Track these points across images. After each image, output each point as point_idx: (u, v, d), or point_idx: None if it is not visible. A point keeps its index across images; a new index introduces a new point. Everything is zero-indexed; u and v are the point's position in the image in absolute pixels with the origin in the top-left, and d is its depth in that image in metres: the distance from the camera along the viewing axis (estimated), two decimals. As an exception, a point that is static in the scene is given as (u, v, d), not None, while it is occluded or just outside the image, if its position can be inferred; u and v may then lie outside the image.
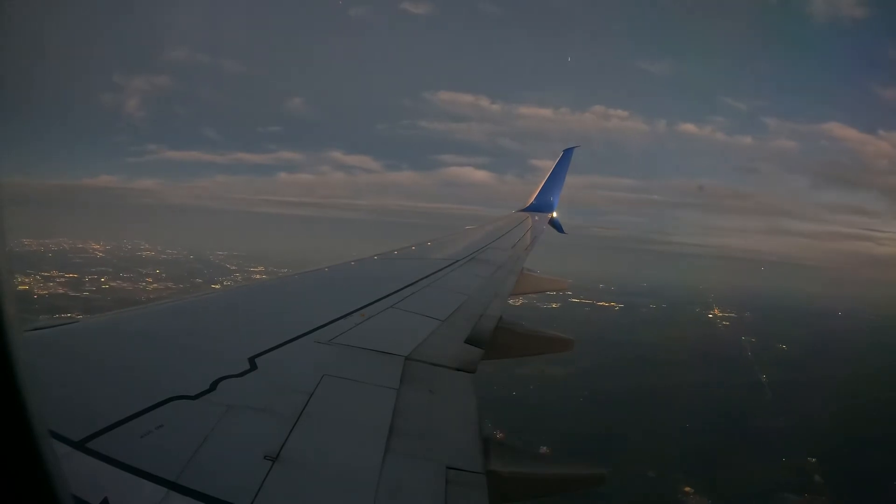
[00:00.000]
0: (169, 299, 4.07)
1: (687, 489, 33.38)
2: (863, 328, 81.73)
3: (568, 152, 13.20)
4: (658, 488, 33.03)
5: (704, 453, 36.83)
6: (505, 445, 2.49)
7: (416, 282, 4.79)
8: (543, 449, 29.42)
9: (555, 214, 12.41)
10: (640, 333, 69.73)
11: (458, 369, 3.02)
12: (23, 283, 61.13)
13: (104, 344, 2.73)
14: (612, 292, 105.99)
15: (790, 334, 74.60)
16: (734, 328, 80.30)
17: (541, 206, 12.50)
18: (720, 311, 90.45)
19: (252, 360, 2.51)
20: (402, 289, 4.44)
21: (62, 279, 69.30)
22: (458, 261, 6.11)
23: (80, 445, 1.65)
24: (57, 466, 0.97)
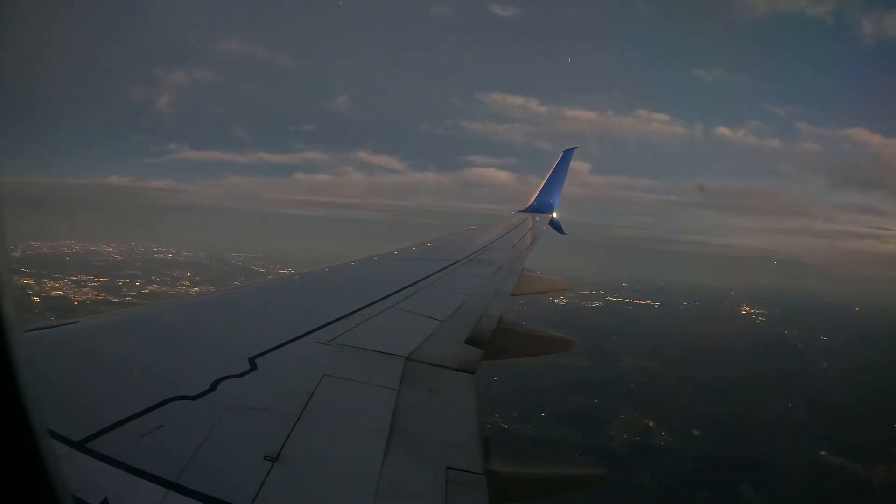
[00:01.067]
0: (169, 299, 4.06)
1: (823, 452, 37.65)
2: (889, 321, 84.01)
3: (568, 153, 13.21)
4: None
5: (827, 427, 40.89)
6: (505, 445, 2.48)
7: (417, 282, 4.79)
8: (696, 432, 37.84)
9: (555, 215, 12.42)
10: (692, 329, 73.30)
11: (458, 370, 3.02)
12: (55, 289, 60.73)
13: (104, 344, 2.73)
14: (640, 291, 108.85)
15: (822, 327, 78.38)
16: (771, 322, 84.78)
17: (541, 206, 12.51)
18: (749, 308, 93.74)
19: (252, 360, 2.51)
20: (402, 289, 4.44)
21: (93, 283, 67.62)
22: (458, 261, 6.11)
23: (80, 445, 1.65)
24: (57, 466, 0.97)
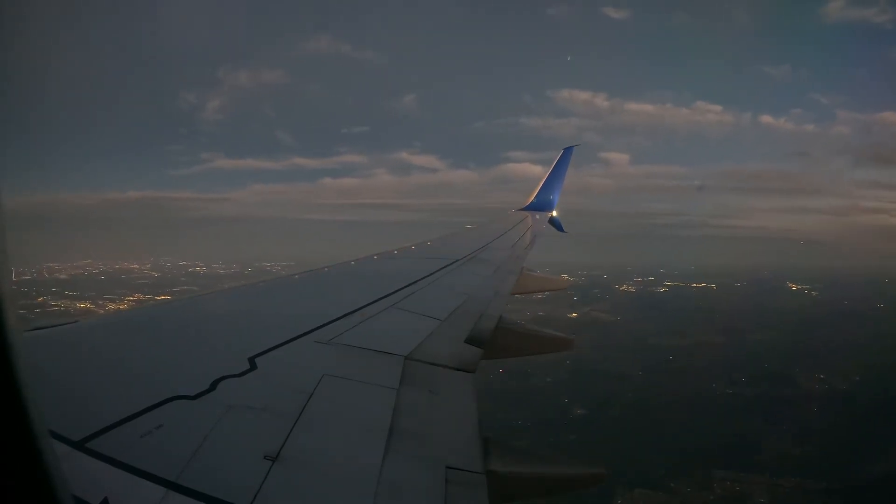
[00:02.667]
0: (169, 299, 4.07)
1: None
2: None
3: (568, 151, 13.22)
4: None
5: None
6: (505, 445, 2.48)
7: (416, 281, 4.79)
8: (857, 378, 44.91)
9: (555, 213, 12.41)
10: (769, 304, 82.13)
11: (457, 369, 3.02)
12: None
13: (104, 344, 2.73)
14: (685, 275, 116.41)
15: (869, 296, 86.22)
16: (825, 295, 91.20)
17: (541, 205, 12.50)
18: (795, 284, 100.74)
19: (252, 360, 2.51)
20: (401, 288, 4.44)
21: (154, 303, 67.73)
22: (457, 260, 6.11)
23: (80, 445, 1.65)
24: (57, 466, 0.97)
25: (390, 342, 3.15)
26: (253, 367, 2.46)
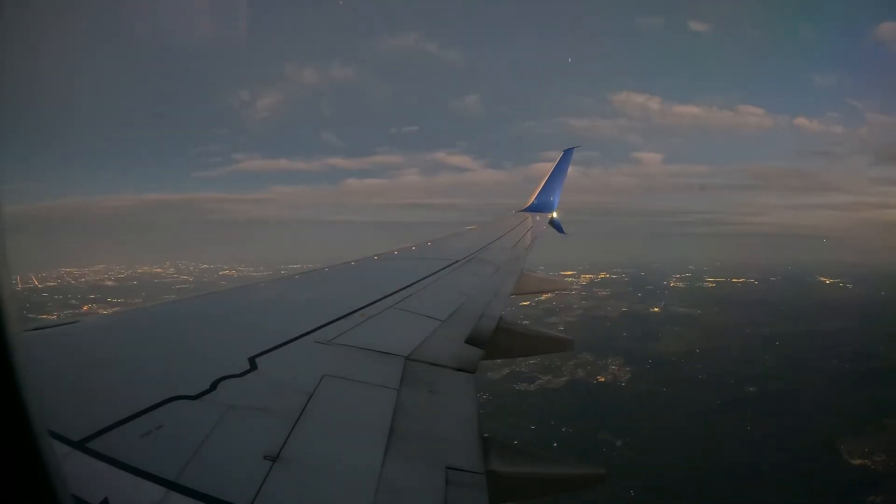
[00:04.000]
0: (169, 299, 4.06)
1: None
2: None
3: (568, 152, 13.22)
4: None
5: None
6: (505, 445, 2.48)
7: (417, 282, 4.79)
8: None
9: (555, 214, 12.41)
10: (816, 297, 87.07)
11: (458, 369, 3.01)
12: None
13: (104, 344, 2.73)
14: (718, 271, 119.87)
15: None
16: (860, 287, 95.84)
17: (541, 206, 12.49)
18: (828, 279, 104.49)
19: (252, 360, 2.51)
20: (402, 289, 4.44)
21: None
22: (458, 261, 6.11)
23: (80, 445, 1.65)
24: (57, 466, 0.97)
25: (390, 342, 3.15)
26: (253, 367, 2.46)
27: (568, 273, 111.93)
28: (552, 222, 12.13)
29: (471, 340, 3.54)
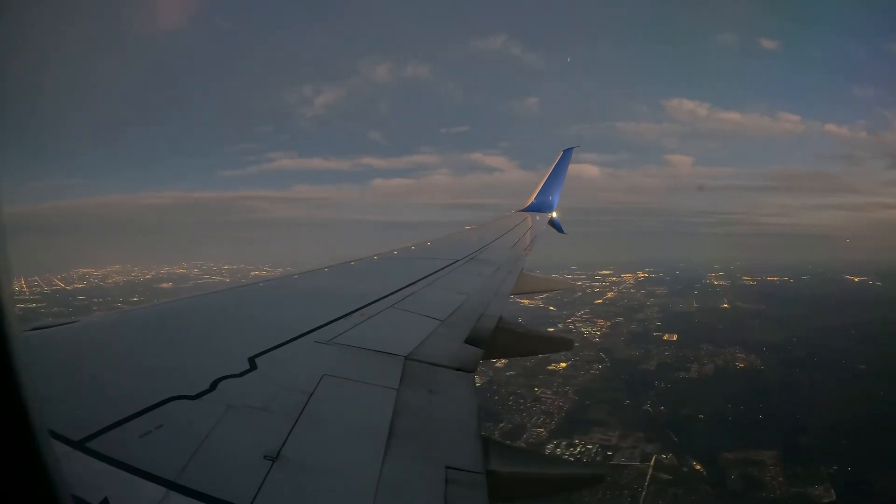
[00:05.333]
0: (169, 299, 4.06)
1: None
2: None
3: (567, 152, 13.21)
4: None
5: None
6: (505, 445, 2.48)
7: (416, 282, 4.79)
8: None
9: (554, 214, 12.40)
10: (849, 295, 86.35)
11: (457, 369, 3.02)
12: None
13: (104, 344, 2.73)
14: (741, 270, 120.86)
15: None
16: (889, 284, 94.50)
17: (541, 205, 12.48)
18: (856, 277, 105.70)
19: (252, 360, 2.51)
20: (401, 288, 4.44)
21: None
22: (457, 261, 6.11)
23: (80, 445, 1.65)
24: (57, 466, 0.97)
25: (390, 342, 3.15)
26: (253, 367, 2.46)
27: (605, 272, 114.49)
28: (552, 222, 12.12)
29: (470, 340, 3.54)
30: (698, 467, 33.71)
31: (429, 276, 5.12)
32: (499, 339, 3.94)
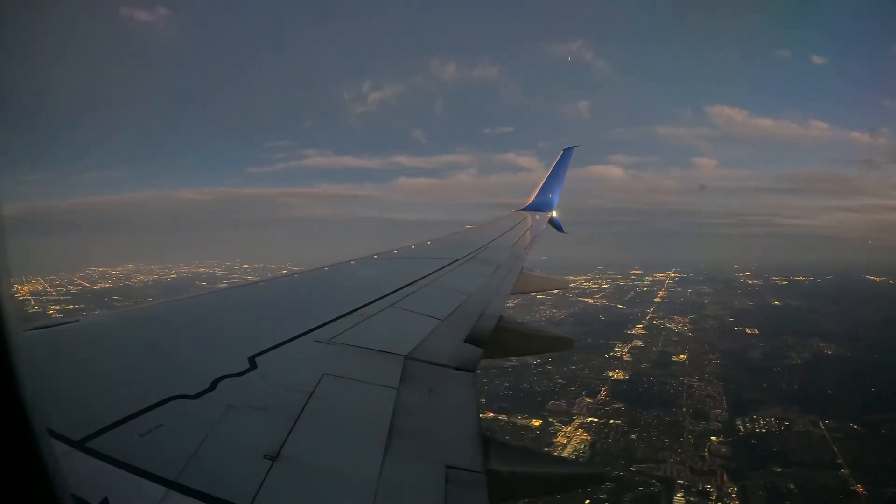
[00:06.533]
0: (169, 299, 4.06)
1: None
2: None
3: (568, 151, 13.19)
4: None
5: None
6: (505, 445, 2.48)
7: (416, 281, 4.79)
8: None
9: (554, 213, 12.39)
10: (879, 294, 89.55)
11: (457, 368, 3.02)
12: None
13: (104, 344, 2.73)
14: (766, 270, 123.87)
15: None
16: None
17: (541, 205, 12.47)
18: (876, 277, 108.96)
19: (252, 360, 2.51)
20: (401, 288, 4.44)
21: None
22: (457, 260, 6.11)
23: (80, 445, 1.65)
24: (57, 466, 0.97)
25: (390, 342, 3.15)
26: (253, 366, 2.46)
27: (636, 272, 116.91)
28: (552, 221, 12.12)
29: (470, 339, 3.54)
30: (855, 426, 39.30)
31: (429, 275, 5.12)
32: (499, 339, 3.94)
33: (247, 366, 2.45)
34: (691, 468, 34.02)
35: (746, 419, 40.89)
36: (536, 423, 40.57)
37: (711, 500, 30.86)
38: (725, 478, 32.84)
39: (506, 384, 46.35)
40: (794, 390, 46.61)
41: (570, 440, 38.01)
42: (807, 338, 60.36)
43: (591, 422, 40.74)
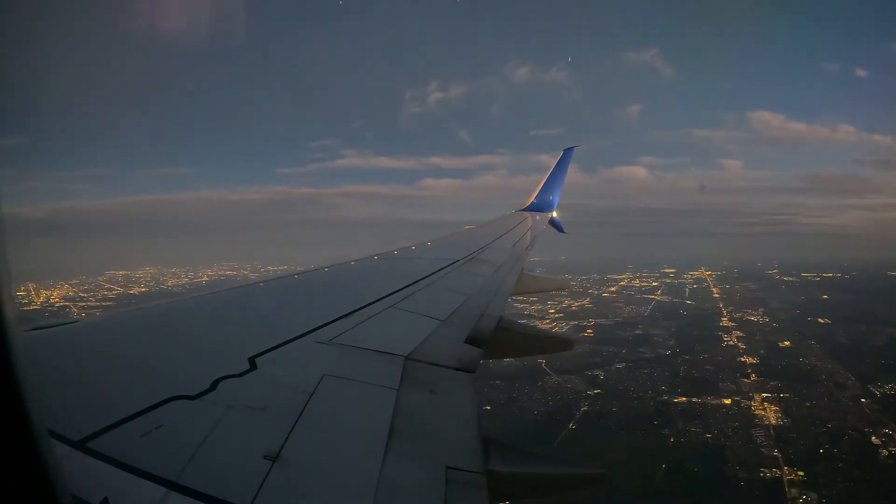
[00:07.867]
0: (169, 299, 4.06)
1: None
2: None
3: (568, 152, 13.20)
4: None
5: None
6: (505, 445, 2.48)
7: (416, 282, 4.78)
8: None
9: (555, 214, 12.40)
10: None
11: (458, 369, 3.02)
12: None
13: (104, 344, 2.73)
14: (788, 267, 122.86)
15: None
16: None
17: (541, 205, 12.48)
18: None
19: (252, 360, 2.51)
20: (401, 289, 4.43)
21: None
22: (457, 261, 6.11)
23: (80, 445, 1.65)
24: (57, 466, 0.97)
25: (390, 342, 3.15)
26: (253, 367, 2.46)
27: (670, 270, 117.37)
28: (552, 221, 12.12)
29: (471, 340, 3.54)
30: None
31: (429, 275, 5.12)
32: (499, 339, 3.94)
33: (247, 366, 2.45)
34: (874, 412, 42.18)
35: (874, 386, 47.06)
36: (727, 401, 45.62)
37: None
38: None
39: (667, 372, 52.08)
40: (892, 364, 51.48)
41: (766, 413, 43.61)
42: (876, 325, 64.33)
43: (767, 397, 46.23)
